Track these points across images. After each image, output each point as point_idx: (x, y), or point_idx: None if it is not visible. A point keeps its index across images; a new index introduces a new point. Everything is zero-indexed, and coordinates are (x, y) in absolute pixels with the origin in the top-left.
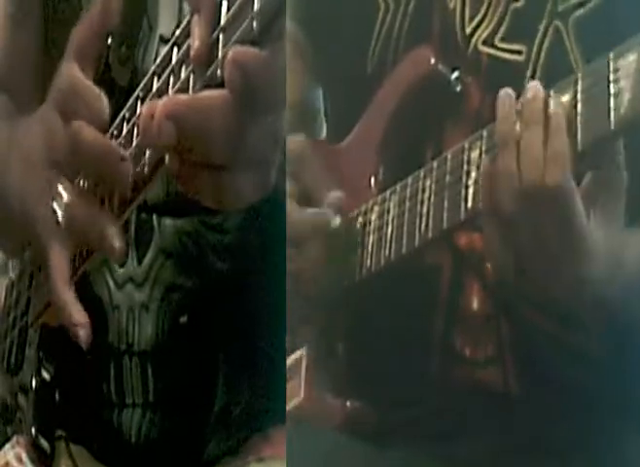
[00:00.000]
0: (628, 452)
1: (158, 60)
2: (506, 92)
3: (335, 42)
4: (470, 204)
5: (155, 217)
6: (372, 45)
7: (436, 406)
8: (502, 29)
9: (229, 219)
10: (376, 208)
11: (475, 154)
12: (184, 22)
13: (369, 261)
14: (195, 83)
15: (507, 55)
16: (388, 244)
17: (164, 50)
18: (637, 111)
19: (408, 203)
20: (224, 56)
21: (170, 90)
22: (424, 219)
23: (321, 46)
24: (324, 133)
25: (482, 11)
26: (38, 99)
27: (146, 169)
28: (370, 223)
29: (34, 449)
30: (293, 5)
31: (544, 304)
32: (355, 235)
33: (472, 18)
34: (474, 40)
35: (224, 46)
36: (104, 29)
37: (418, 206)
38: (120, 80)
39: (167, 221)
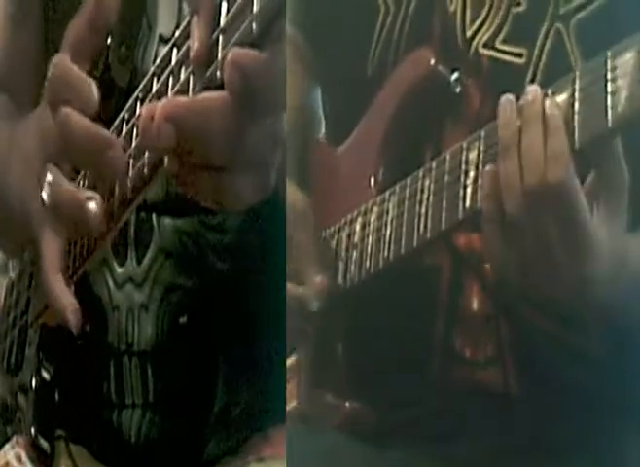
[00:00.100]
0: (628, 452)
1: (157, 61)
2: (507, 98)
3: (335, 44)
4: (468, 204)
5: (154, 217)
6: (372, 47)
7: (436, 406)
8: (503, 32)
9: (228, 219)
10: (376, 209)
11: (473, 154)
12: (183, 24)
13: (368, 261)
14: (194, 84)
15: (508, 58)
16: (387, 245)
17: (164, 51)
18: (635, 109)
19: (407, 204)
20: (223, 58)
21: (170, 92)
22: (423, 219)
23: (321, 48)
24: (323, 135)
25: (484, 14)
26: (38, 99)
27: (145, 170)
28: (369, 223)
29: (34, 448)
30: (293, 7)
31: (545, 304)
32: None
33: (473, 21)
34: (474, 43)
35: (223, 47)
36: (100, 24)
37: (417, 207)
38: (119, 80)
39: (167, 221)
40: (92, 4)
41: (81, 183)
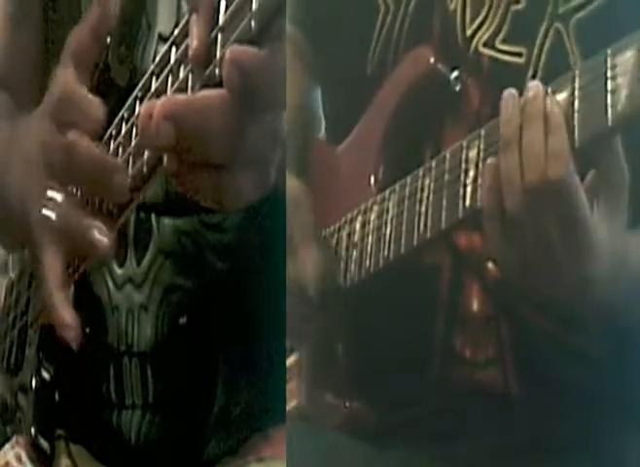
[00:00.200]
0: (628, 452)
1: (156, 60)
2: (510, 93)
3: (334, 43)
4: (468, 203)
5: (154, 217)
6: (371, 46)
7: (436, 406)
8: (503, 31)
9: (228, 218)
10: (376, 208)
11: (473, 153)
12: (182, 22)
13: (368, 261)
14: (193, 82)
15: (507, 57)
16: (387, 244)
17: (163, 49)
18: (635, 108)
19: (406, 203)
20: (222, 56)
21: (169, 90)
22: (423, 218)
23: (321, 47)
24: (323, 133)
25: (483, 13)
26: (38, 98)
27: (145, 169)
28: (369, 222)
29: (34, 448)
30: (292, 6)
31: (545, 304)
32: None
33: (473, 20)
34: (474, 42)
35: (222, 45)
36: (102, 33)
37: (417, 206)
38: (119, 79)
39: (166, 221)
40: (96, 13)
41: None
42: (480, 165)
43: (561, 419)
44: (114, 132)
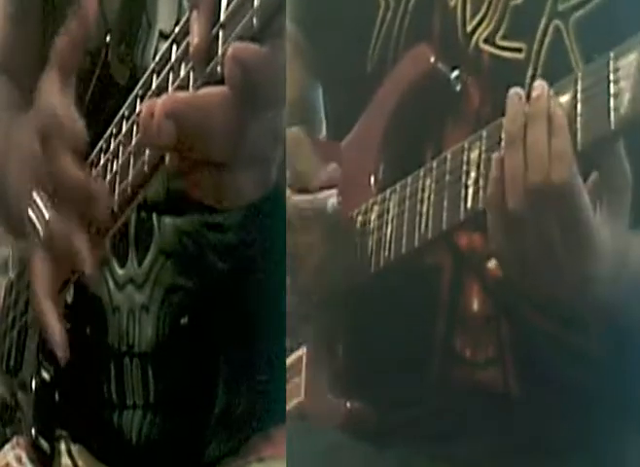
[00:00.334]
0: (628, 452)
1: (157, 58)
2: (515, 92)
3: (335, 41)
4: (469, 204)
5: (155, 217)
6: (371, 43)
7: (436, 406)
8: (502, 28)
9: (229, 217)
10: (376, 208)
11: (474, 154)
12: (183, 19)
13: (368, 261)
14: (194, 80)
15: (507, 54)
16: (388, 244)
17: (164, 47)
18: (637, 111)
19: (407, 203)
20: (223, 53)
21: (170, 88)
22: (424, 219)
23: (321, 45)
24: (324, 132)
25: (483, 9)
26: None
27: (146, 168)
28: (369, 222)
29: (34, 449)
30: (292, 4)
31: (546, 303)
32: (354, 235)
33: (473, 17)
34: (474, 38)
35: (223, 42)
36: (82, 42)
37: (418, 206)
38: (119, 78)
39: (167, 221)
40: (75, 23)
41: None
42: (482, 167)
43: (561, 419)
44: (115, 131)
